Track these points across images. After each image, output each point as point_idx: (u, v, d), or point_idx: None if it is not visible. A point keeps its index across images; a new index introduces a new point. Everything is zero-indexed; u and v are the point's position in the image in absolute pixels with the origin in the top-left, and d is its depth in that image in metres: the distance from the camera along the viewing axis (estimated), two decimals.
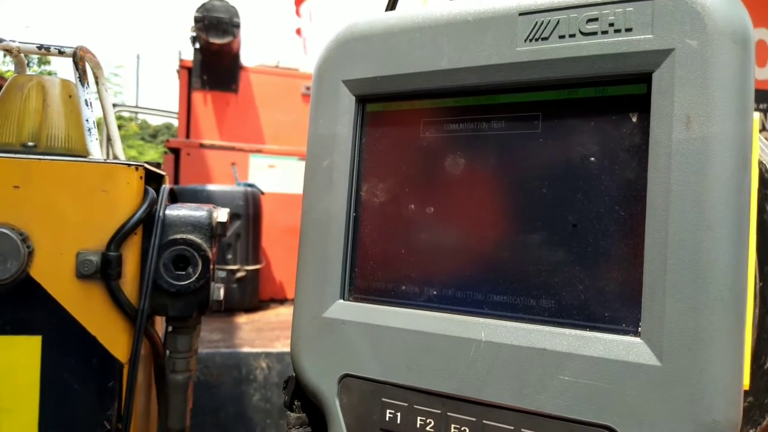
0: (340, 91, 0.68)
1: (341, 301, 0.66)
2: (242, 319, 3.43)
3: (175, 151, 4.18)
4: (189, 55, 4.41)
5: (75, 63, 0.97)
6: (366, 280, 0.67)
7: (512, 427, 0.55)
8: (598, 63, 0.54)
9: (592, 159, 0.55)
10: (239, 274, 3.53)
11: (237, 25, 4.13)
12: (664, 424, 0.49)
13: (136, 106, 9.98)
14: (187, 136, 4.35)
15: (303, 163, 4.18)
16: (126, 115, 15.90)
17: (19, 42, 1.02)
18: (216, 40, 4.09)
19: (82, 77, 0.96)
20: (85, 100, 0.96)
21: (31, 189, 0.87)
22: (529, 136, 0.59)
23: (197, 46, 4.29)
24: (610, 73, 0.54)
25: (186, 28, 4.51)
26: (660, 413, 0.49)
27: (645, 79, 0.53)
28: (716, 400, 0.48)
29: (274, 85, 4.51)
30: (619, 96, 0.55)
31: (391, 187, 0.66)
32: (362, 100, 0.68)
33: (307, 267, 0.68)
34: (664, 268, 0.50)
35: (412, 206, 0.65)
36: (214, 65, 4.38)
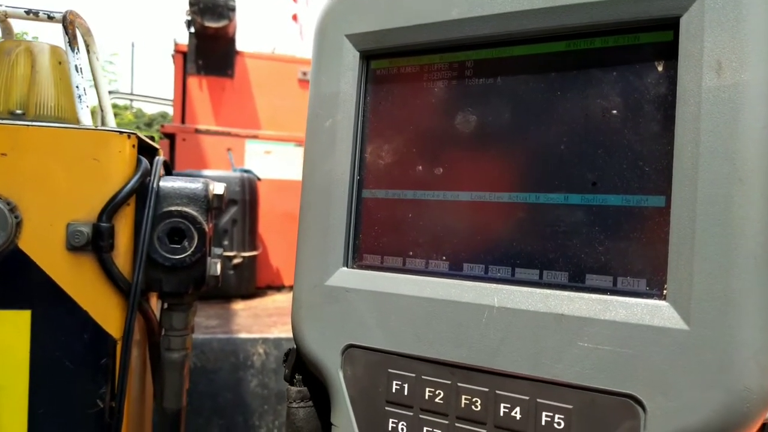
0: (343, 47, 0.64)
1: (345, 268, 0.63)
2: (239, 305, 3.40)
3: (170, 137, 4.12)
4: (184, 41, 4.35)
5: (65, 27, 0.93)
6: (371, 247, 0.63)
7: (527, 398, 0.52)
8: (621, 7, 0.51)
9: (614, 112, 0.52)
10: (236, 261, 3.50)
11: (232, 9, 4.07)
12: (691, 391, 0.46)
13: (132, 94, 9.88)
14: (183, 121, 4.29)
15: (300, 149, 4.13)
16: (121, 103, 15.77)
17: (6, 6, 0.97)
18: (211, 24, 4.03)
19: (71, 42, 0.92)
20: (75, 66, 0.91)
21: (20, 157, 0.83)
22: (546, 90, 0.55)
23: (192, 30, 4.22)
24: (634, 18, 0.50)
25: (181, 15, 4.47)
26: (687, 380, 0.46)
27: (672, 24, 0.49)
28: (748, 366, 0.45)
29: (270, 70, 4.45)
30: (644, 44, 0.51)
31: (398, 147, 0.63)
32: (367, 56, 0.64)
33: (308, 233, 0.65)
34: (692, 225, 0.47)
35: (420, 167, 0.61)
36: (210, 50, 4.31)
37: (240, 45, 4.44)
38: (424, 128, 0.61)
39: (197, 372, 2.47)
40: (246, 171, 3.74)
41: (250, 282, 3.66)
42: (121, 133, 0.85)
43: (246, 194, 3.57)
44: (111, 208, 0.84)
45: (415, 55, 0.62)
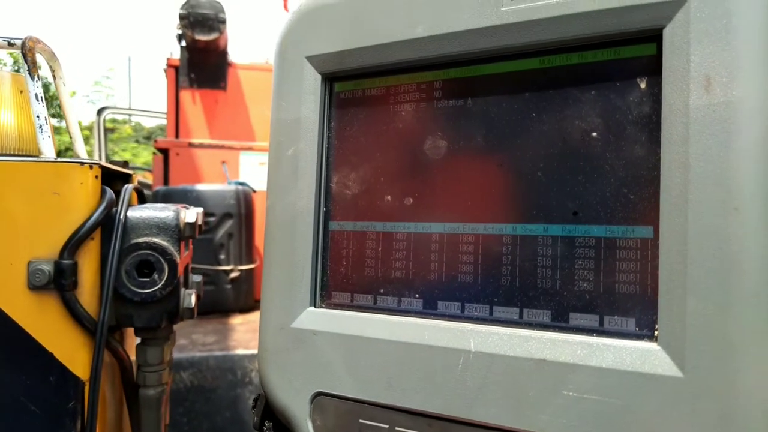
0: (304, 69, 0.59)
1: (312, 308, 0.58)
2: (237, 320, 3.35)
3: (164, 152, 4.09)
4: (178, 54, 4.33)
5: (23, 54, 0.88)
6: (339, 284, 0.58)
7: None
8: (598, 20, 0.46)
9: (594, 135, 0.47)
10: (233, 275, 3.46)
11: (223, 21, 4.04)
12: None
13: (130, 108, 9.86)
14: (177, 135, 4.26)
15: None
16: (119, 118, 15.76)
17: None
18: (202, 37, 4.00)
19: (31, 69, 0.88)
20: (36, 95, 0.87)
21: None
22: (519, 111, 0.50)
23: (183, 43, 4.20)
24: (612, 31, 0.46)
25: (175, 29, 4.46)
26: None
27: (655, 36, 0.45)
28: (752, 417, 0.40)
29: (263, 81, 4.42)
30: (625, 59, 0.46)
31: (365, 176, 0.58)
32: (329, 79, 0.60)
33: (273, 271, 0.60)
34: (683, 260, 0.42)
35: (389, 197, 0.56)
36: (202, 63, 4.29)
37: (234, 56, 4.42)
38: (393, 155, 0.56)
39: (194, 391, 2.43)
40: (241, 183, 3.70)
41: (248, 296, 3.62)
42: (82, 164, 0.81)
43: (242, 207, 3.54)
44: (73, 244, 0.79)
45: (380, 76, 0.58)
